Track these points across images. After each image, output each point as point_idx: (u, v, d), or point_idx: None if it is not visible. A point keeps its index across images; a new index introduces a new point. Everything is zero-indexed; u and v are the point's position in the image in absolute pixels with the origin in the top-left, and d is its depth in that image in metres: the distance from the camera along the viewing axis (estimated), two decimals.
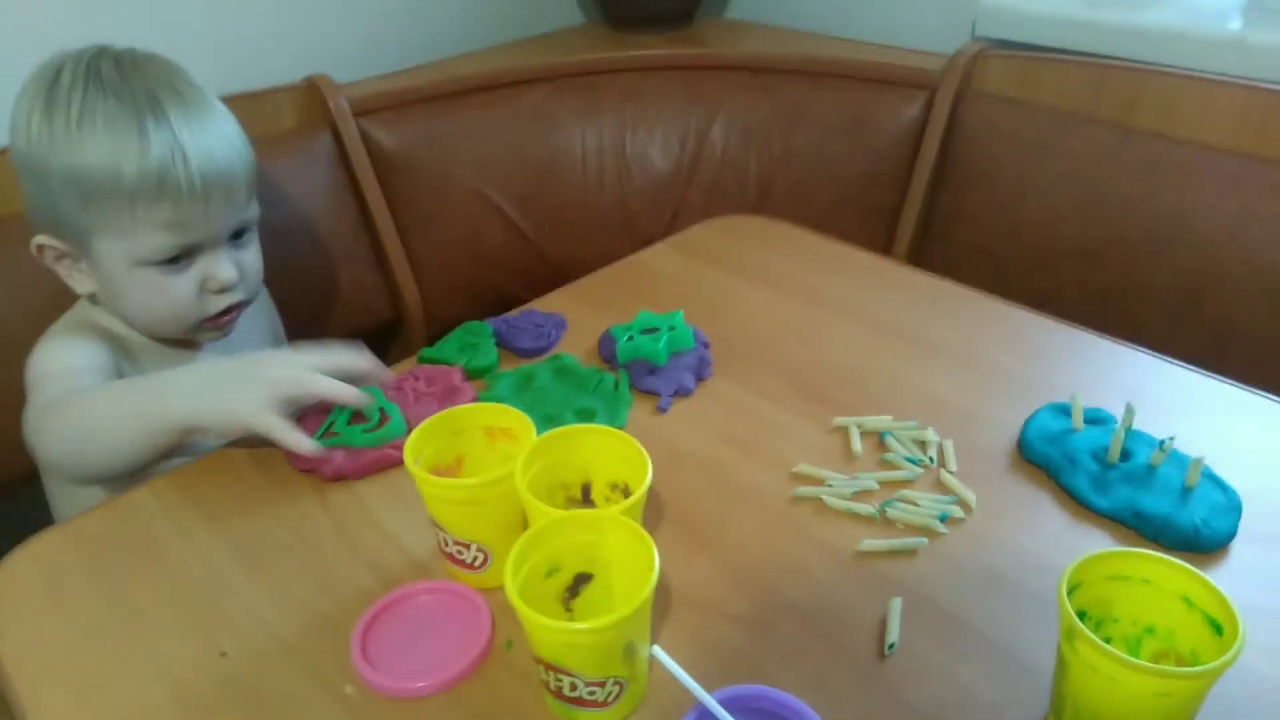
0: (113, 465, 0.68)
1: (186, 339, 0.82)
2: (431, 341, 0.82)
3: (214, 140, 0.74)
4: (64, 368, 0.75)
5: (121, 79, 0.73)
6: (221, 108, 0.78)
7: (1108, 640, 0.44)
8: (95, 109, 0.71)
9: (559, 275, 0.96)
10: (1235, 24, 1.07)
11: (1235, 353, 0.95)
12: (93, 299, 0.80)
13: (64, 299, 0.84)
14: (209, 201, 0.74)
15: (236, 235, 0.79)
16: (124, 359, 0.80)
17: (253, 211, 0.80)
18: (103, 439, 0.67)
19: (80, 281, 0.78)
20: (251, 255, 0.81)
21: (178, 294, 0.76)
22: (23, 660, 0.55)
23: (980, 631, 0.55)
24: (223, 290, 0.78)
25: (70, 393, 0.71)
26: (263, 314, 0.93)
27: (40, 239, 0.76)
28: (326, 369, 0.66)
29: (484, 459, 0.61)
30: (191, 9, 1.11)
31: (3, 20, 1.00)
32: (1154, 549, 0.50)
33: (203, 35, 1.13)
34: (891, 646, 0.53)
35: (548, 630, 0.46)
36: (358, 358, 0.69)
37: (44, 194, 0.74)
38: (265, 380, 0.65)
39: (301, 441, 0.64)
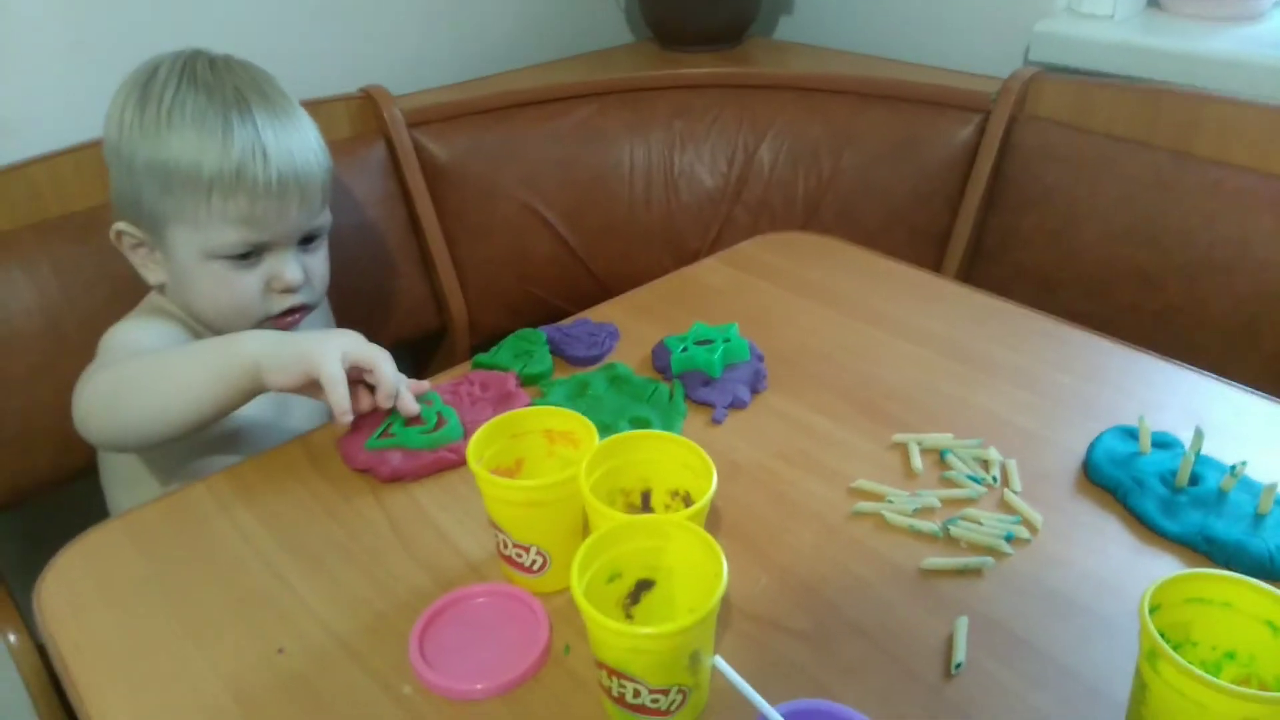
0: (169, 408, 0.68)
1: None
2: (475, 353, 0.82)
3: (294, 142, 0.76)
4: (134, 342, 0.77)
5: (214, 78, 0.75)
6: (305, 115, 0.80)
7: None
8: (185, 103, 0.74)
9: (603, 290, 0.97)
10: None
11: None
12: (162, 290, 0.82)
13: (120, 299, 0.86)
14: (283, 201, 0.75)
15: (307, 240, 0.80)
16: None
17: (325, 219, 0.82)
18: (165, 381, 0.69)
19: (153, 271, 0.80)
20: (319, 261, 0.82)
21: (244, 289, 0.78)
22: (80, 655, 0.56)
23: (1048, 654, 0.53)
24: (287, 291, 0.79)
25: (128, 361, 0.73)
26: (321, 323, 0.94)
27: (120, 225, 0.78)
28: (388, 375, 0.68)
29: (543, 463, 0.60)
30: (254, 20, 1.13)
31: (78, 30, 1.02)
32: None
33: (263, 45, 1.14)
34: (959, 666, 0.52)
35: (614, 634, 0.46)
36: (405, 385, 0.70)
37: (129, 182, 0.76)
38: (338, 335, 0.68)
39: (344, 401, 0.65)
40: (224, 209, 0.74)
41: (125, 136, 0.75)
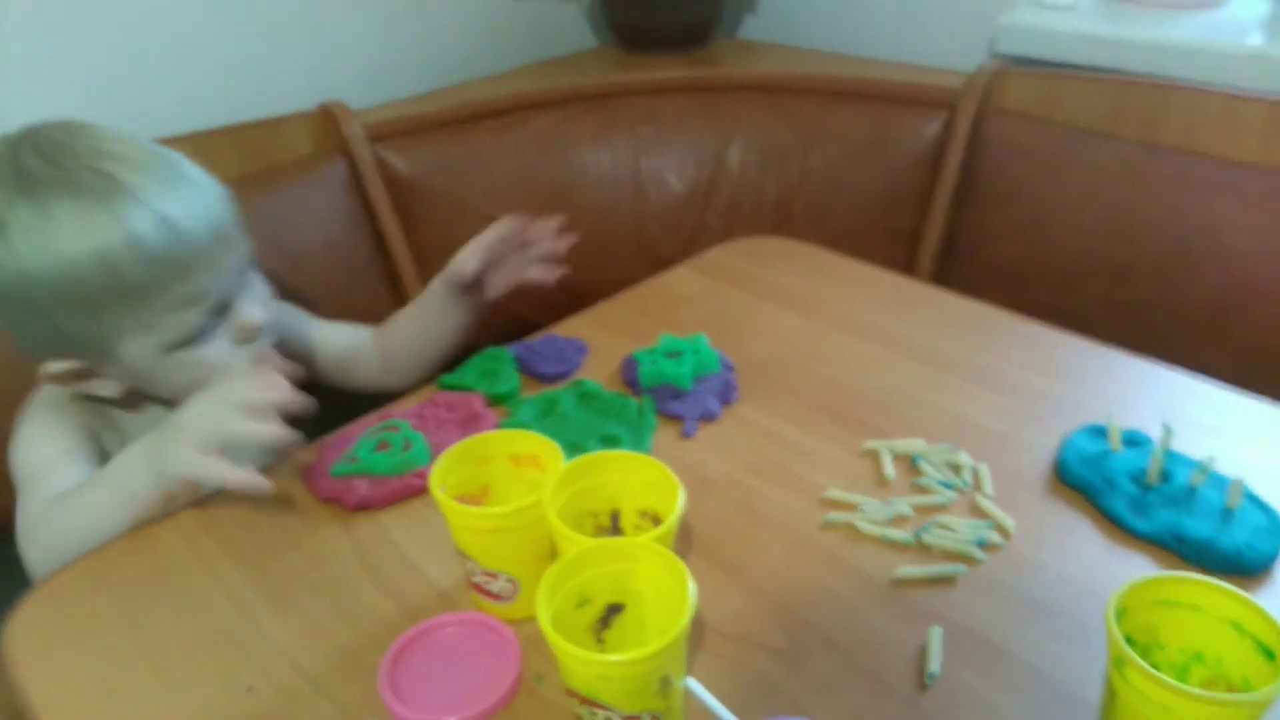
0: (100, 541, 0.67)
1: None
2: (449, 368, 0.81)
3: (191, 196, 0.68)
4: (41, 462, 0.72)
5: (58, 168, 0.65)
6: (169, 152, 0.70)
7: (1155, 667, 0.43)
8: (51, 212, 0.63)
9: (575, 300, 0.96)
10: (1257, 38, 1.06)
11: (1267, 370, 0.93)
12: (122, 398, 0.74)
13: None
14: (213, 258, 0.68)
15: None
16: (107, 431, 0.76)
17: (248, 244, 0.74)
18: (93, 539, 0.66)
19: (104, 387, 0.72)
20: (260, 284, 0.76)
21: (220, 360, 0.71)
22: (49, 699, 0.55)
23: (1023, 660, 0.53)
24: (257, 332, 0.73)
25: (47, 507, 0.69)
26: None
27: (51, 368, 0.69)
28: (253, 402, 0.64)
29: (510, 487, 0.60)
30: (205, 36, 1.12)
31: (15, 52, 1.00)
32: (1196, 572, 0.48)
33: (217, 62, 1.13)
34: (931, 677, 0.52)
35: (582, 662, 0.45)
36: (275, 389, 0.65)
37: (38, 321, 0.66)
38: (185, 431, 0.63)
39: (247, 478, 0.63)
40: (165, 300, 0.66)
41: (6, 275, 0.64)
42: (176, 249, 0.66)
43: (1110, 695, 0.46)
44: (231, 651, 0.56)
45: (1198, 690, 0.42)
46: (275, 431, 0.64)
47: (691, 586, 0.47)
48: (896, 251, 1.18)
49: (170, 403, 0.73)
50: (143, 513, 0.67)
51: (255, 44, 1.16)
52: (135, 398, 0.75)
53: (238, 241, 0.72)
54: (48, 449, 0.72)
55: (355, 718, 0.52)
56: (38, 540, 0.69)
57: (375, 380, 0.90)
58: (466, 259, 0.79)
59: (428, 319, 0.86)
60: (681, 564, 0.48)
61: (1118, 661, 0.44)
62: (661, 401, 0.74)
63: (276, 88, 1.16)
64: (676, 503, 0.53)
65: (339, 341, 0.91)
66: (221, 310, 0.71)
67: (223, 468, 0.63)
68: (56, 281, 0.64)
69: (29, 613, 0.61)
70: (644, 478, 0.56)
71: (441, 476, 0.56)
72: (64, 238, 0.63)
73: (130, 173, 0.66)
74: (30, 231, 0.63)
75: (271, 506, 0.68)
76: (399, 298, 1.17)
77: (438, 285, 0.83)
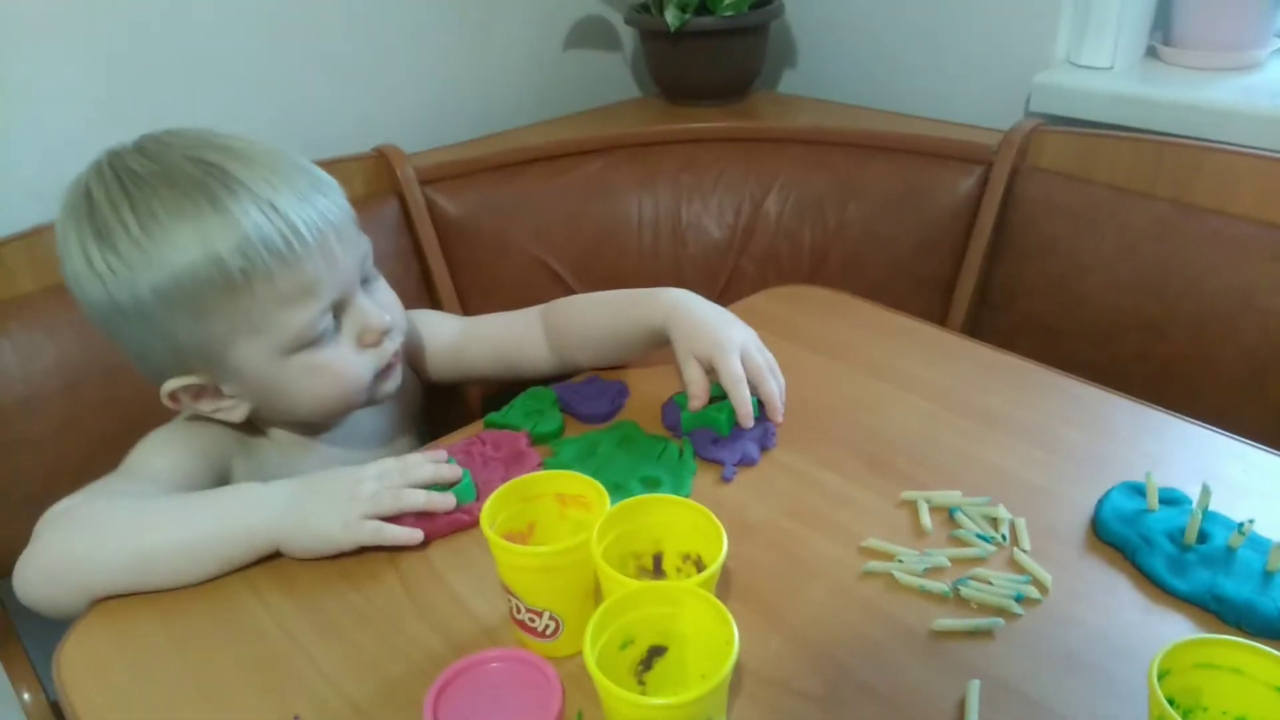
0: (144, 581, 0.63)
1: (307, 424, 0.77)
2: (488, 406, 0.83)
3: (298, 181, 0.66)
4: (146, 470, 0.69)
5: (158, 164, 0.64)
6: (272, 145, 0.68)
7: None
8: (153, 208, 0.62)
9: None
10: None
11: None
12: (252, 420, 0.73)
13: None
14: (326, 250, 0.65)
15: (364, 280, 0.71)
16: (241, 457, 0.75)
17: (367, 243, 0.72)
18: (161, 555, 0.62)
19: (231, 411, 0.70)
20: (385, 289, 0.74)
21: (344, 364, 0.69)
22: (99, 718, 0.56)
23: (1061, 716, 0.53)
24: (382, 335, 0.71)
25: (108, 500, 0.65)
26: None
27: (170, 385, 0.68)
28: (421, 480, 0.66)
29: (555, 526, 0.61)
30: (269, 81, 1.16)
31: (103, 97, 1.05)
32: (1235, 634, 0.49)
33: (280, 106, 1.18)
34: None
35: (627, 705, 0.46)
36: (445, 468, 0.68)
37: (150, 331, 0.64)
38: (357, 499, 0.64)
39: (412, 534, 0.64)
40: (275, 294, 0.64)
41: (115, 286, 0.63)
42: (280, 236, 0.63)
43: None
44: (279, 678, 0.58)
45: None
46: (447, 499, 0.66)
47: (736, 632, 0.48)
48: (930, 302, 1.19)
49: (297, 424, 0.74)
50: (235, 556, 0.64)
51: (316, 90, 1.21)
52: (264, 421, 0.73)
53: (354, 237, 0.69)
54: (158, 461, 0.69)
55: None
56: (68, 526, 0.63)
57: (537, 368, 0.87)
58: (696, 377, 0.75)
59: (629, 340, 0.82)
60: (726, 611, 0.49)
61: None
62: (701, 446, 0.76)
63: (335, 131, 1.21)
64: (720, 548, 0.54)
65: (496, 337, 0.88)
66: (340, 311, 0.69)
67: (382, 528, 0.64)
68: (161, 280, 0.62)
69: (82, 634, 0.63)
70: (688, 522, 0.58)
71: (491, 514, 0.58)
72: (164, 230, 0.62)
73: (232, 160, 0.64)
74: (131, 232, 0.62)
75: None
76: None
77: (642, 329, 0.79)
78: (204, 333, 0.65)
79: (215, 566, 0.64)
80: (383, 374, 0.73)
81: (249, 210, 0.63)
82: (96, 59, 1.04)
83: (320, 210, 0.66)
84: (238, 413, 0.71)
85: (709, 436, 0.76)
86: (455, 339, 0.89)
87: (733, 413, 0.77)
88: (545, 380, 0.84)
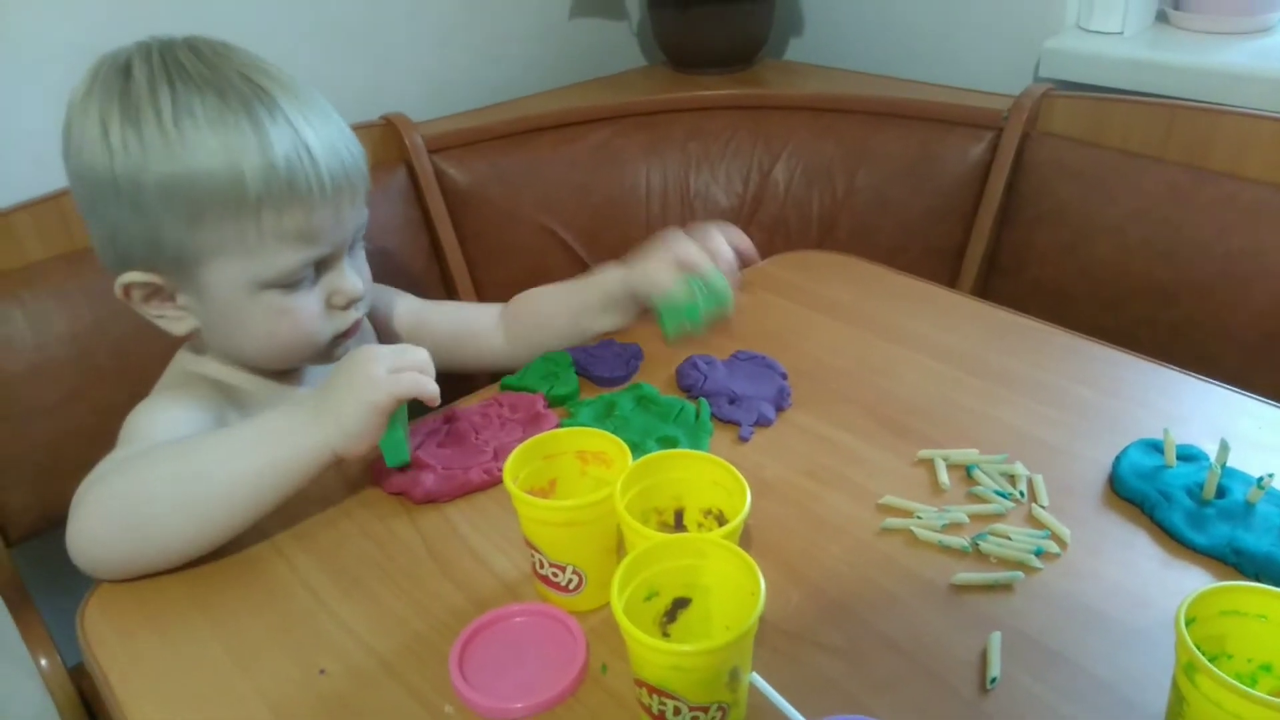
0: (208, 529, 0.61)
1: (291, 368, 0.76)
2: (497, 375, 0.83)
3: (333, 133, 0.67)
4: (152, 435, 0.66)
5: (209, 69, 0.63)
6: (321, 96, 0.69)
7: None
8: (192, 106, 0.61)
9: None
10: None
11: None
12: (190, 340, 0.72)
13: (150, 326, 0.76)
14: (338, 205, 0.66)
15: (350, 244, 0.72)
16: (232, 409, 0.73)
17: (366, 214, 0.73)
18: (206, 500, 0.60)
19: (175, 322, 0.69)
20: (363, 262, 0.75)
21: (308, 317, 0.68)
22: (124, 678, 0.56)
23: (1082, 667, 0.54)
24: (349, 304, 0.71)
25: (146, 450, 0.62)
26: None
27: (129, 277, 0.66)
28: (419, 363, 0.65)
29: (576, 483, 0.61)
30: (277, 50, 1.14)
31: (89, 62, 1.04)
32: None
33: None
34: (994, 680, 0.53)
35: (655, 652, 0.46)
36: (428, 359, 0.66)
37: (134, 219, 0.63)
38: (364, 363, 0.62)
39: (430, 384, 0.63)
40: (277, 226, 0.63)
41: (123, 163, 0.61)
42: (304, 175, 0.63)
43: (1178, 701, 0.46)
44: (303, 634, 0.58)
45: (1272, 698, 0.42)
46: (434, 386, 0.64)
47: (763, 582, 0.48)
48: (940, 269, 1.19)
49: (230, 356, 0.72)
50: (285, 495, 0.62)
51: (324, 58, 1.20)
52: (200, 345, 0.72)
53: (361, 206, 0.70)
54: (167, 422, 0.68)
55: (426, 701, 0.53)
56: (115, 482, 0.60)
57: (492, 356, 0.90)
58: (664, 280, 0.80)
59: (585, 307, 0.86)
60: (751, 560, 0.49)
61: (1188, 668, 0.44)
62: (717, 406, 0.76)
63: (343, 100, 1.18)
64: (744, 502, 0.54)
65: (453, 320, 0.92)
66: (322, 268, 0.69)
67: (415, 377, 0.62)
68: (174, 174, 0.61)
69: (105, 595, 0.63)
70: (709, 477, 0.58)
71: (513, 470, 0.58)
72: (193, 130, 0.61)
73: (281, 91, 0.65)
74: (164, 120, 0.61)
75: (339, 497, 0.70)
76: None
77: (615, 285, 0.84)
78: (190, 239, 0.64)
79: (274, 496, 0.62)
80: (340, 337, 0.74)
81: (284, 141, 0.63)
82: (103, 26, 1.03)
83: (346, 168, 0.67)
84: (180, 325, 0.70)
85: (726, 397, 0.76)
86: (413, 318, 0.90)
87: (707, 298, 0.78)
88: (494, 375, 0.84)
